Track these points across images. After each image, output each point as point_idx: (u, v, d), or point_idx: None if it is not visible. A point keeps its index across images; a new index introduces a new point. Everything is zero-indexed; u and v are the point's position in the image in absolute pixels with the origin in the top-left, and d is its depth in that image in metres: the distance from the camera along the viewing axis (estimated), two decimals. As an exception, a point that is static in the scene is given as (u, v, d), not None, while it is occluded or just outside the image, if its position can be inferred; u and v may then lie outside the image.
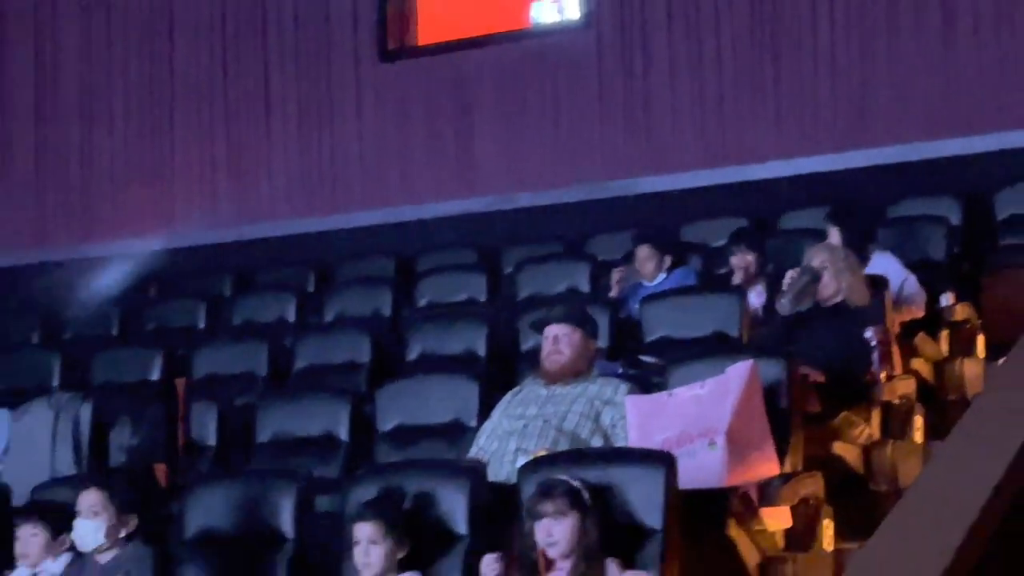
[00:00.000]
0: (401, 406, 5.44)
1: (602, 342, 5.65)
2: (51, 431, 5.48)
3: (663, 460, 3.99)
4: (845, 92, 8.23)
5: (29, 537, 4.10)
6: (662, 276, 6.95)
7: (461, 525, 4.00)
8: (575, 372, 4.92)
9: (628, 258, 7.15)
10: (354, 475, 4.51)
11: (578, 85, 8.70)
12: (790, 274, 5.66)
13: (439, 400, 5.36)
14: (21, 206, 10.02)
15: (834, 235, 6.33)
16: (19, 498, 4.65)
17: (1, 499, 4.67)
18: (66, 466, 5.33)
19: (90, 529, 4.00)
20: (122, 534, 4.03)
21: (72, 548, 4.07)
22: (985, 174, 7.56)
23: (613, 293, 6.93)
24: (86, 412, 5.56)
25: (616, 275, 7.04)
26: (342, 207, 9.11)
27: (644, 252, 6.90)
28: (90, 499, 4.02)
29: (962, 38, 7.88)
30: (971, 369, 6.32)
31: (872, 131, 8.11)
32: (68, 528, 4.05)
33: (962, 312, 6.78)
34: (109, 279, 9.02)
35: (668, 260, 6.96)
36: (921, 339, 6.36)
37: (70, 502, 4.09)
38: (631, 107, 8.61)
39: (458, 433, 5.17)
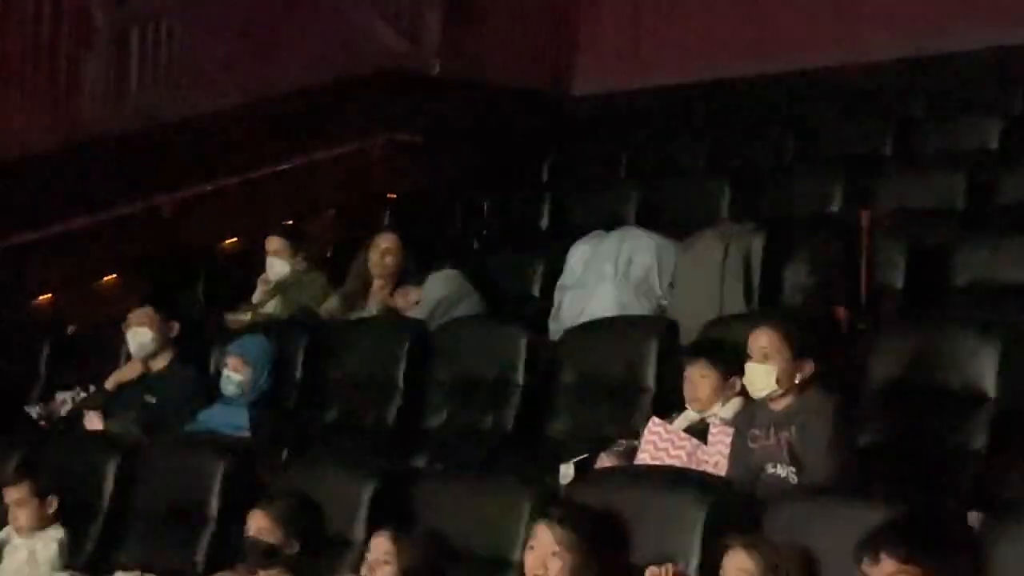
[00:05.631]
0: None
1: None
2: (720, 264, 5.41)
3: None
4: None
5: (699, 378, 3.97)
6: None
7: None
8: None
9: None
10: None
11: None
12: None
13: None
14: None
15: None
16: (687, 334, 4.61)
17: (669, 335, 4.62)
18: (736, 303, 5.26)
19: (762, 373, 3.73)
20: (797, 380, 3.70)
21: (743, 393, 3.88)
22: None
23: None
24: (758, 245, 5.45)
25: None
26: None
27: None
28: (762, 340, 3.74)
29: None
30: None
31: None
32: (739, 371, 3.83)
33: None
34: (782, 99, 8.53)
35: None
36: None
37: (741, 342, 3.88)
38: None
39: None
